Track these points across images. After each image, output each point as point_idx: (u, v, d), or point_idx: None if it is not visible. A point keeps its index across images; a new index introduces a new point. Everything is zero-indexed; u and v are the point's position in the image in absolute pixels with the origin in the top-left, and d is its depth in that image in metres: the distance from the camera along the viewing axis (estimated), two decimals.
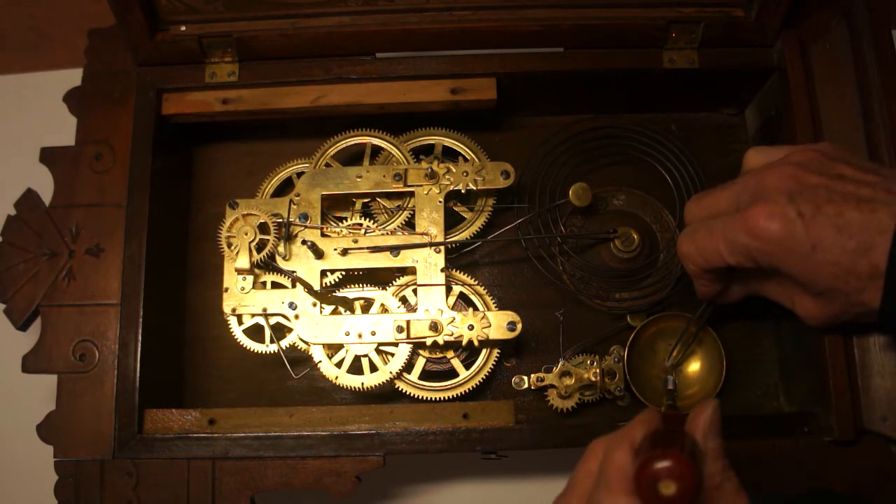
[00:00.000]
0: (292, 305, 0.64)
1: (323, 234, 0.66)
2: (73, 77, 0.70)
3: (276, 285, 0.66)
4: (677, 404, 0.63)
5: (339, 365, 0.64)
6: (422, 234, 0.65)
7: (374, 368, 0.64)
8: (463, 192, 0.66)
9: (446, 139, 0.70)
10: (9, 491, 0.80)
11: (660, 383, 0.65)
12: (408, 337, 0.63)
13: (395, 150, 0.69)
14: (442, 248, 0.65)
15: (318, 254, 0.65)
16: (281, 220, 0.65)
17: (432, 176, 0.65)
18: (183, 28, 0.67)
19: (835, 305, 0.53)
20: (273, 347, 0.65)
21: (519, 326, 0.63)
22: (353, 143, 0.70)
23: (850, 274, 0.49)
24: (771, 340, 0.70)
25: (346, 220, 0.68)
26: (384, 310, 0.65)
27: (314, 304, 0.64)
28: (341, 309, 0.65)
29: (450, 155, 0.71)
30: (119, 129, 0.67)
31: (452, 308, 0.64)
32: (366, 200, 0.69)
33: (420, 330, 0.63)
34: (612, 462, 0.43)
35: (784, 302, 0.58)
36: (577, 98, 0.72)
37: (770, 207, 0.51)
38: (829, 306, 0.53)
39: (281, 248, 0.65)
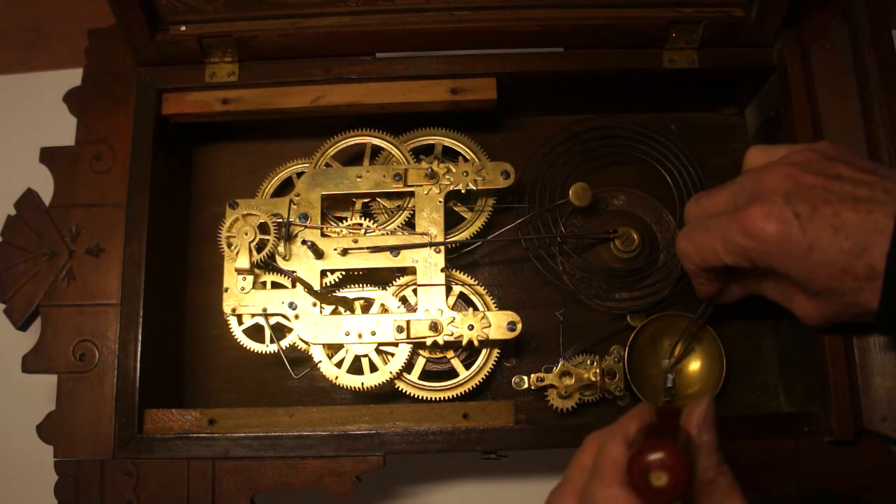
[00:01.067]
0: (292, 305, 0.64)
1: (323, 234, 0.66)
2: (73, 77, 0.70)
3: (276, 285, 0.66)
4: (677, 404, 0.63)
5: (339, 365, 0.64)
6: (422, 234, 0.65)
7: (374, 368, 0.64)
8: (463, 192, 0.66)
9: (446, 139, 0.70)
10: (9, 491, 0.80)
11: (660, 383, 0.65)
12: (408, 337, 0.63)
13: (395, 150, 0.69)
14: (442, 248, 0.65)
15: (318, 254, 0.65)
16: (281, 220, 0.65)
17: (432, 176, 0.65)
18: (183, 28, 0.67)
19: (832, 305, 0.53)
20: (273, 347, 0.65)
21: (519, 326, 0.63)
22: (353, 143, 0.70)
23: (846, 274, 0.49)
24: (771, 340, 0.70)
25: (346, 220, 0.68)
26: (384, 310, 0.65)
27: (314, 304, 0.64)
28: (341, 309, 0.65)
29: (450, 155, 0.71)
30: (119, 129, 0.67)
31: (452, 308, 0.64)
32: (366, 200, 0.69)
33: (420, 330, 0.63)
34: (605, 454, 0.43)
35: (782, 302, 0.58)
36: (577, 98, 0.72)
37: (766, 208, 0.51)
38: (827, 306, 0.53)
39: (281, 248, 0.65)
